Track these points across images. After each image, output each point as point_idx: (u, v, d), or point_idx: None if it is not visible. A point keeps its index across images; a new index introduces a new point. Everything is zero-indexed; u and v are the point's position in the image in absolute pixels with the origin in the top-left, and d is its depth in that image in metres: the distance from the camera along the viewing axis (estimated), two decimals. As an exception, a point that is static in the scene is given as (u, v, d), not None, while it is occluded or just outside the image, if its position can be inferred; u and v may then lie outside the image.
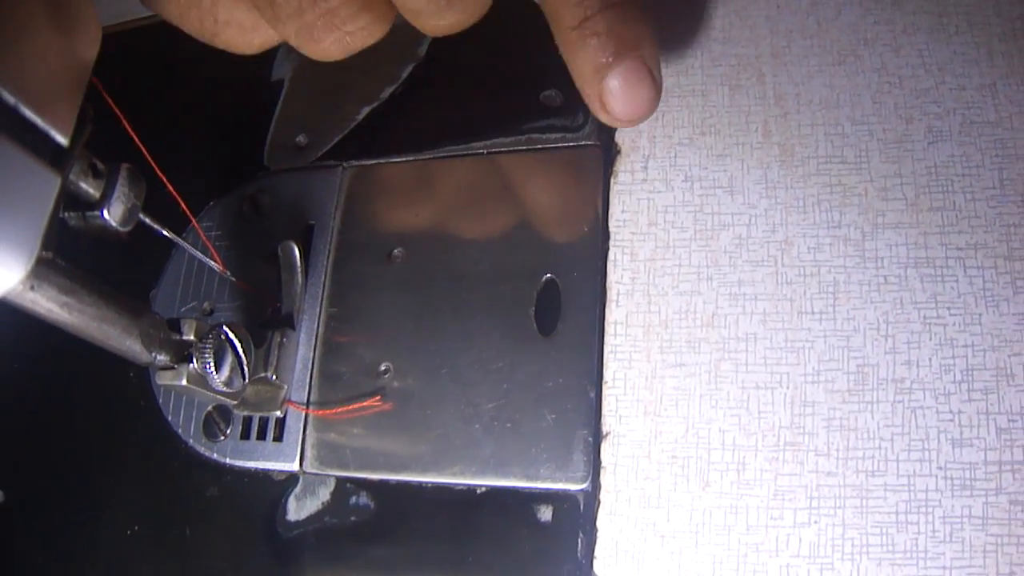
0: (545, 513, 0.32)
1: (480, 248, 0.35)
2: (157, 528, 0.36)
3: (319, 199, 0.38)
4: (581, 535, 0.31)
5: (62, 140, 0.26)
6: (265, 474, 0.35)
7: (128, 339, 0.30)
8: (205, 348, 0.31)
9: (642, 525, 0.30)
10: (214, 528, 0.36)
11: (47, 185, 0.25)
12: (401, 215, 0.37)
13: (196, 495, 0.36)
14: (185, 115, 0.39)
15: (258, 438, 0.35)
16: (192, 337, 0.31)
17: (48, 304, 0.27)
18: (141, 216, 0.30)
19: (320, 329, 0.36)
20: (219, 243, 0.38)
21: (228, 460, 0.36)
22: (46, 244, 0.26)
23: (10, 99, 0.24)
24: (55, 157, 0.26)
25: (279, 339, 0.35)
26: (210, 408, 0.36)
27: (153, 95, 0.37)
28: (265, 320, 0.36)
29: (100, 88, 0.30)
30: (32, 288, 0.26)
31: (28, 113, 0.24)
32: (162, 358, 0.31)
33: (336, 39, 0.30)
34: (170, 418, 0.37)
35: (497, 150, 0.36)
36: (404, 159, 0.37)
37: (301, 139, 0.39)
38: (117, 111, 0.30)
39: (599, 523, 0.31)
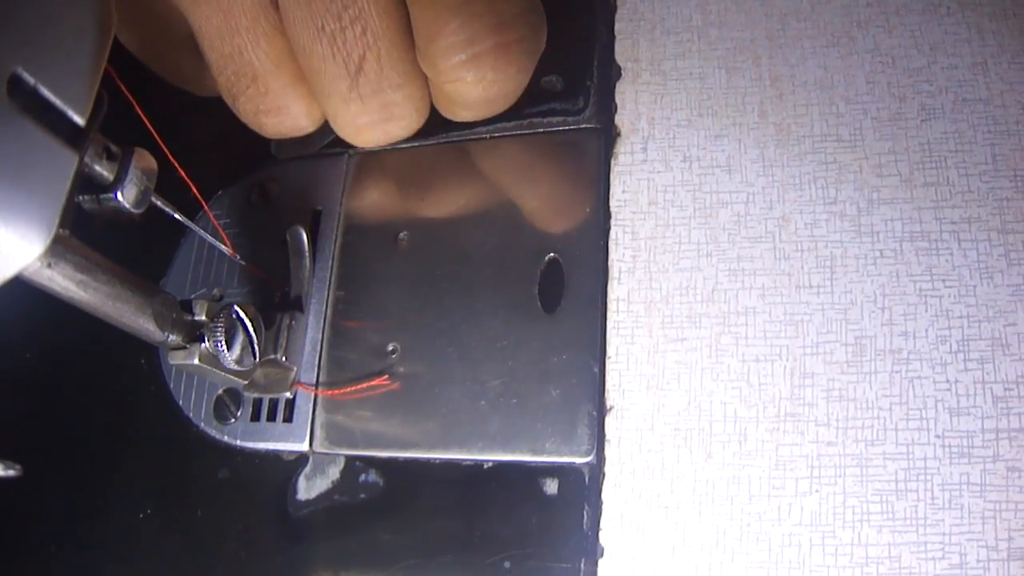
0: (551, 486, 0.32)
1: (484, 230, 0.35)
2: (169, 511, 0.37)
3: (326, 186, 0.38)
4: (587, 507, 0.31)
5: (79, 120, 0.26)
6: (275, 455, 0.36)
7: (141, 317, 0.30)
8: (216, 327, 0.31)
9: (646, 497, 0.31)
10: (225, 509, 0.36)
11: (65, 162, 0.26)
12: (406, 200, 0.37)
13: (207, 477, 0.36)
14: (193, 107, 0.40)
15: (268, 420, 0.36)
16: (203, 317, 0.32)
17: (64, 282, 0.28)
18: (153, 199, 0.31)
19: (328, 312, 0.36)
20: (228, 231, 0.39)
21: (239, 442, 0.36)
22: (63, 222, 0.26)
23: (29, 80, 0.25)
24: (72, 136, 0.26)
25: (288, 321, 0.36)
26: (220, 391, 0.37)
27: (161, 87, 0.38)
28: (274, 304, 0.37)
29: (114, 76, 0.30)
30: (49, 266, 0.27)
31: (47, 93, 0.25)
32: (174, 338, 0.32)
33: (383, 132, 0.35)
34: (180, 402, 0.37)
35: (499, 135, 0.37)
36: (408, 145, 0.38)
37: (307, 128, 0.40)
38: (128, 96, 0.31)
39: (604, 495, 0.31)
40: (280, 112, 0.33)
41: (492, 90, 0.31)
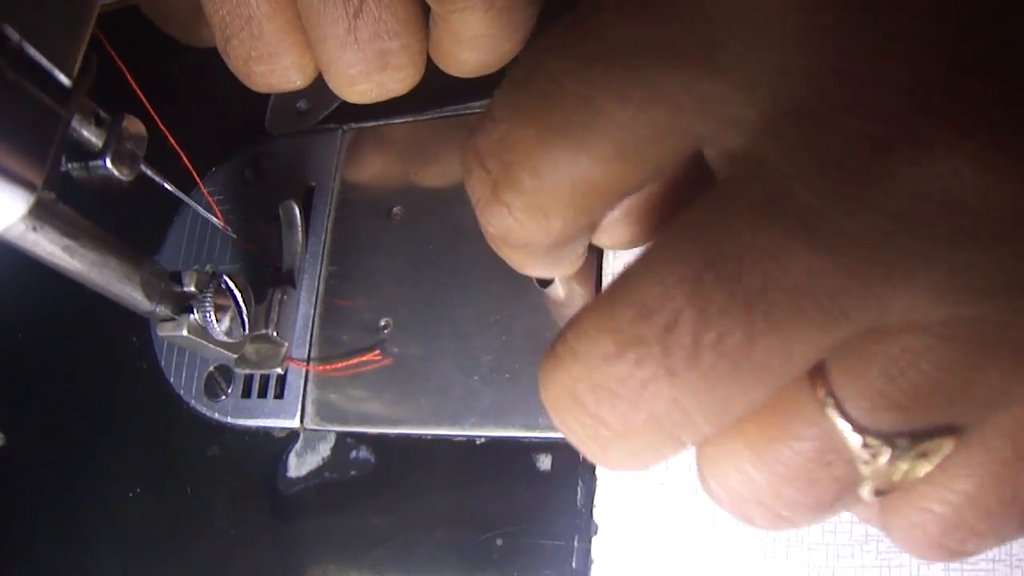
0: (544, 462, 0.32)
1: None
2: (158, 489, 0.36)
3: (320, 162, 0.38)
4: (580, 483, 0.31)
5: (65, 80, 0.26)
6: (266, 432, 0.35)
7: (129, 286, 0.30)
8: (205, 298, 0.31)
9: (641, 472, 0.30)
10: (215, 487, 0.36)
11: (51, 120, 0.25)
12: (400, 175, 0.37)
13: (197, 455, 0.36)
14: (185, 83, 0.40)
15: (259, 396, 0.35)
16: (193, 288, 0.32)
17: (50, 247, 0.28)
18: (143, 167, 0.31)
19: (320, 287, 0.36)
20: (221, 207, 0.38)
21: (229, 419, 0.36)
22: (49, 184, 0.26)
23: (15, 36, 0.24)
24: (58, 97, 0.26)
25: (280, 297, 0.35)
26: (211, 368, 0.36)
27: (153, 64, 0.38)
28: (266, 279, 0.36)
29: (104, 42, 0.30)
30: (35, 229, 0.27)
31: (32, 51, 0.25)
32: (163, 309, 0.31)
33: (376, 83, 0.32)
34: (171, 379, 0.37)
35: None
36: (402, 120, 0.37)
37: (302, 104, 0.40)
38: (120, 63, 0.31)
39: (598, 471, 0.31)
40: (271, 60, 0.33)
41: (501, 19, 0.30)
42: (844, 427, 0.17)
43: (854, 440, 0.17)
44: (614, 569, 0.30)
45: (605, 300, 0.18)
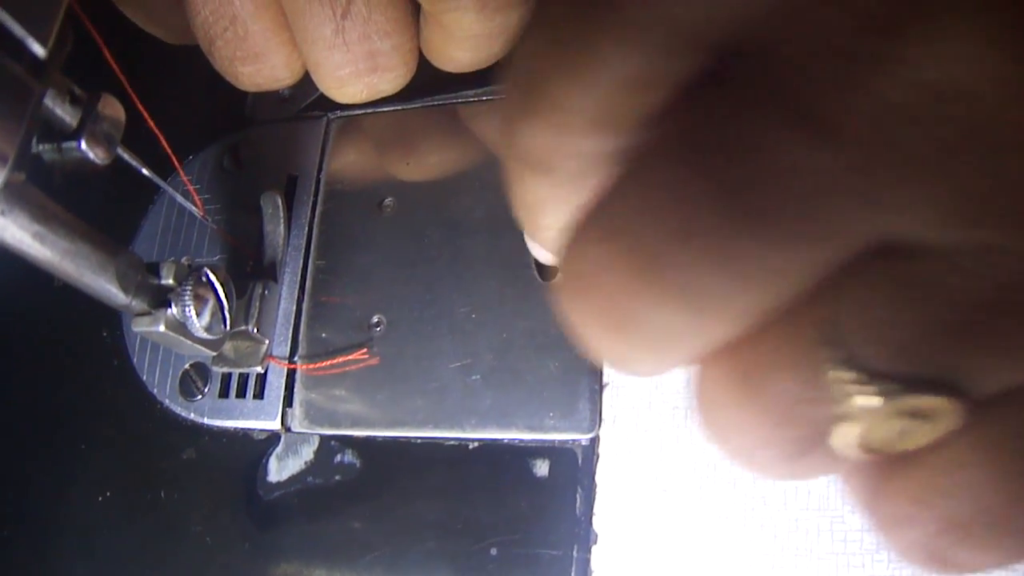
0: (542, 468, 0.30)
1: (474, 195, 0.34)
2: (130, 493, 0.34)
3: (303, 151, 0.36)
4: (579, 490, 0.30)
5: (39, 51, 0.24)
6: (244, 434, 0.34)
7: (103, 277, 0.28)
8: (185, 292, 0.29)
9: (644, 479, 0.29)
10: (190, 492, 0.34)
11: (23, 92, 0.24)
12: (391, 164, 0.35)
13: (171, 457, 0.34)
14: (161, 67, 0.38)
15: (238, 396, 0.34)
16: (171, 281, 0.30)
17: (19, 233, 0.26)
18: (120, 151, 0.29)
19: (308, 282, 0.34)
20: (199, 197, 0.37)
21: (206, 420, 0.34)
22: (19, 164, 0.24)
23: (-15, 3, 0.23)
24: (31, 69, 0.24)
25: (261, 291, 0.34)
26: (187, 366, 0.35)
27: (128, 45, 0.36)
28: (246, 273, 0.35)
29: (83, 17, 0.28)
30: (3, 213, 0.25)
31: (4, 17, 0.23)
32: (139, 303, 0.29)
33: (366, 85, 0.31)
34: (145, 378, 0.35)
35: (487, 97, 0.35)
36: (392, 108, 0.36)
37: (284, 90, 0.38)
38: (98, 38, 0.29)
39: (598, 477, 0.29)
40: (258, 60, 0.31)
41: (495, 19, 0.29)
42: (835, 356, 0.15)
43: (843, 374, 0.15)
44: (615, 580, 0.29)
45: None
